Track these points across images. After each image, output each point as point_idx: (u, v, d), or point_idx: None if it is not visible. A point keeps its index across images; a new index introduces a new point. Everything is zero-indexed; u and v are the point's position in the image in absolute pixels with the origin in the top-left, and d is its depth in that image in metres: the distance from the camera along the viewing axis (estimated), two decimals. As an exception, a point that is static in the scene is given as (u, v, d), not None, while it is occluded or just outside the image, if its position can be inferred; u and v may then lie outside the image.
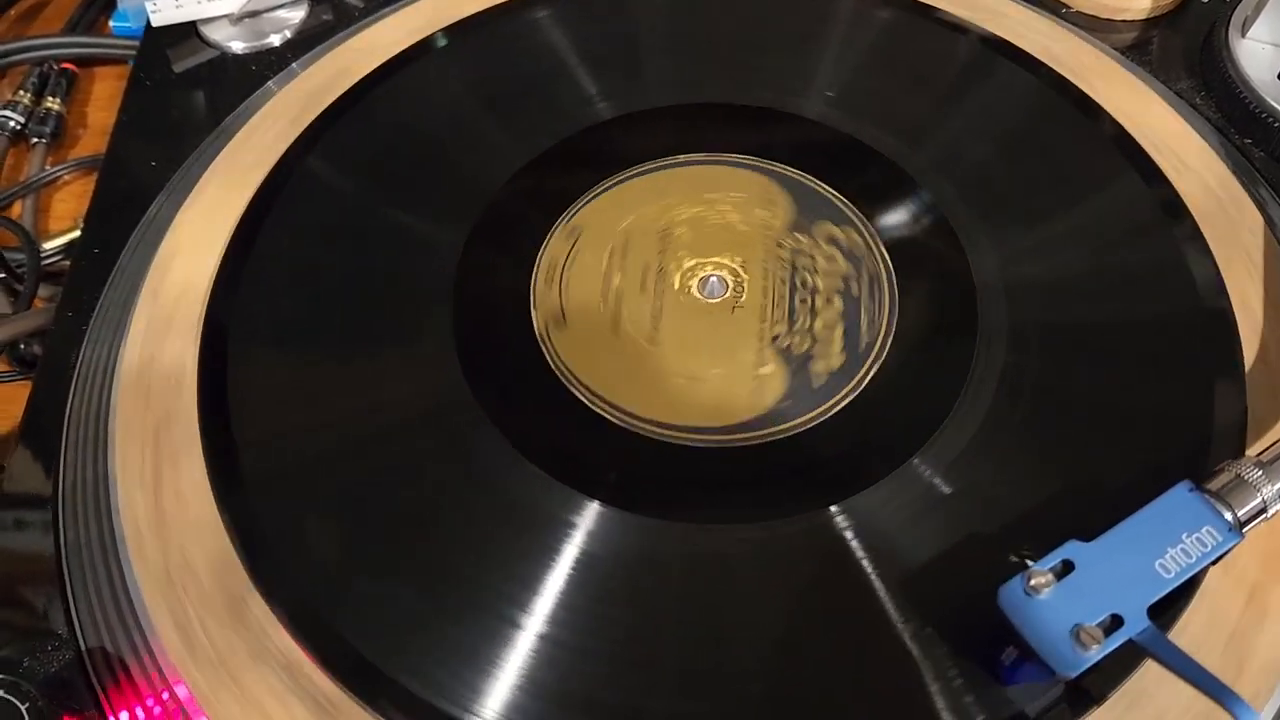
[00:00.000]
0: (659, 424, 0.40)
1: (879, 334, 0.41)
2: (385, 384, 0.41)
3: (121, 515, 0.39)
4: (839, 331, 0.41)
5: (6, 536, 0.41)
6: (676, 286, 0.43)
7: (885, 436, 0.39)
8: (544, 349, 0.41)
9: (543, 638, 0.35)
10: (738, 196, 0.45)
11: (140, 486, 0.40)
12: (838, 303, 0.42)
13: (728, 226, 0.44)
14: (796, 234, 0.44)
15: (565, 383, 0.41)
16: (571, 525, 0.37)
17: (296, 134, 0.47)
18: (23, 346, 0.51)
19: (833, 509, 0.37)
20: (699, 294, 0.43)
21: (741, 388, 0.41)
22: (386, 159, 0.47)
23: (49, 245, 0.59)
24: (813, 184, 0.44)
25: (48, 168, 0.64)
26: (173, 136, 0.52)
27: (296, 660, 0.36)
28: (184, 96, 0.54)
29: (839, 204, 0.44)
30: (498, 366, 0.41)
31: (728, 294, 0.43)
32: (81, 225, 0.50)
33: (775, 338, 0.42)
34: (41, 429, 0.43)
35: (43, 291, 0.58)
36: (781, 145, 0.46)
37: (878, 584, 0.36)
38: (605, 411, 0.40)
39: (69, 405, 0.44)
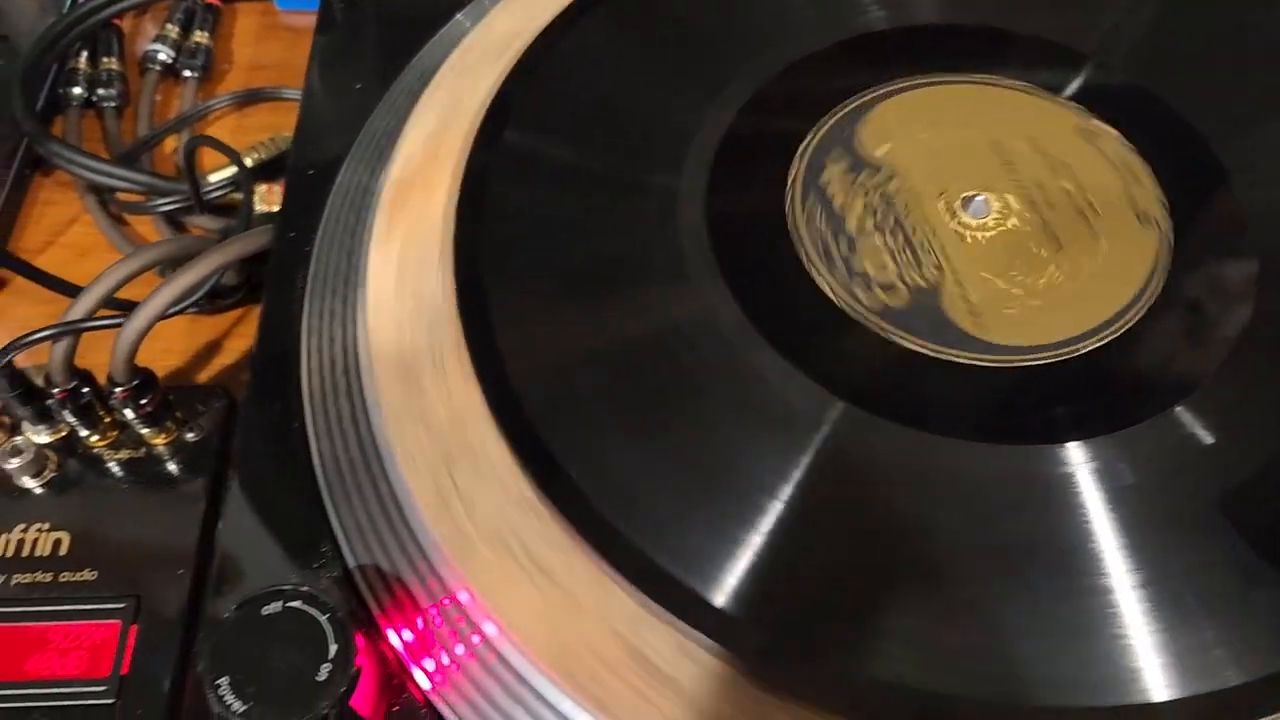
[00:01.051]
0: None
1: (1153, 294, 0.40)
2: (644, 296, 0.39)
3: (386, 427, 0.37)
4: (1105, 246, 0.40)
5: (255, 454, 0.39)
6: (940, 208, 0.42)
7: (1147, 381, 0.37)
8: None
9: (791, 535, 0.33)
10: (1008, 115, 0.44)
11: (402, 391, 0.38)
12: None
13: (979, 148, 0.43)
14: (1038, 139, 0.43)
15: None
16: (820, 426, 0.35)
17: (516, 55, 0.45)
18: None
19: (1076, 444, 0.35)
20: (965, 216, 0.41)
21: (1013, 311, 0.39)
22: (638, 57, 0.44)
23: (213, 178, 0.57)
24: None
25: (199, 102, 0.62)
26: (375, 58, 0.50)
27: (579, 560, 0.34)
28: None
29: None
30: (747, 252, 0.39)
31: (992, 215, 0.41)
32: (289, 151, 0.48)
33: (1051, 268, 0.40)
34: (277, 350, 0.41)
35: (207, 223, 0.56)
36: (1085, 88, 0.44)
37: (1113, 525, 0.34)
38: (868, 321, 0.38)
39: (304, 322, 0.41)
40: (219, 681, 0.31)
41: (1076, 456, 0.35)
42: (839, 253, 0.40)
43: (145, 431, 0.42)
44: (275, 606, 0.32)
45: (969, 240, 0.40)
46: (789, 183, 0.41)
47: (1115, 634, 0.32)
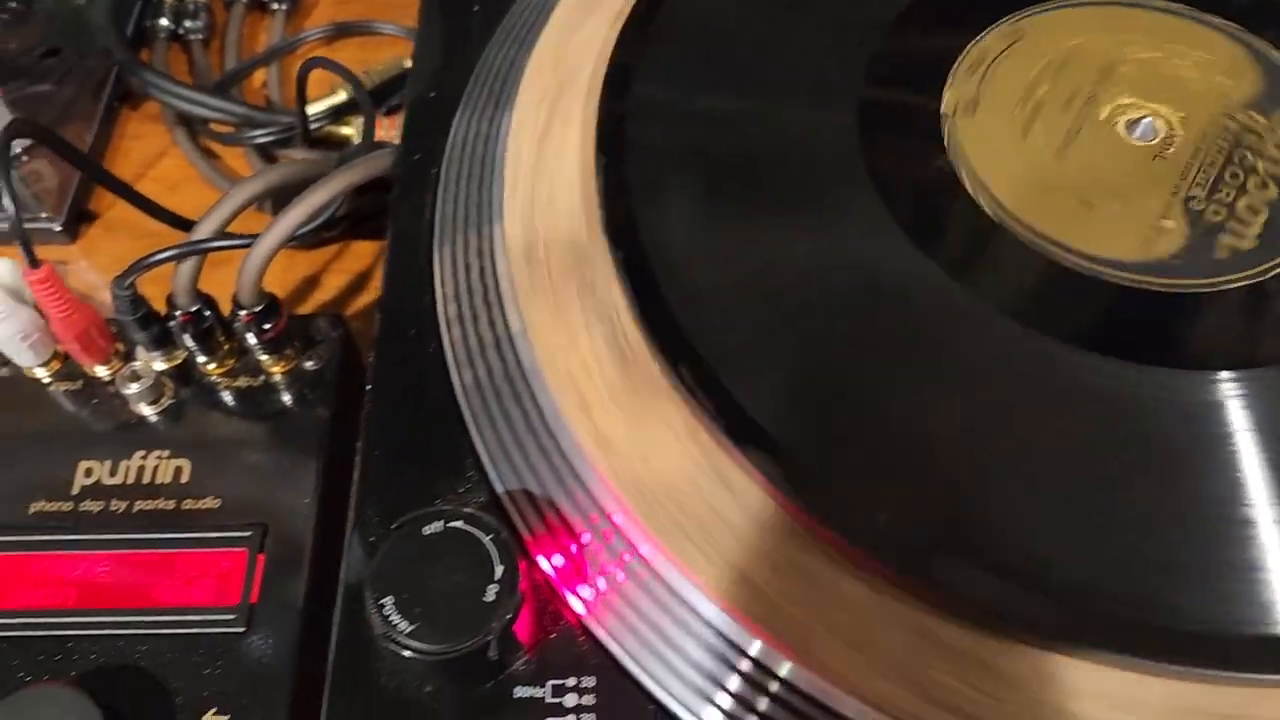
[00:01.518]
0: (1033, 230, 0.37)
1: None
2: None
3: (534, 353, 0.36)
4: (1262, 218, 0.38)
5: (391, 379, 0.37)
6: (1103, 117, 0.40)
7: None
8: (944, 126, 0.38)
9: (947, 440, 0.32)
10: (1201, 56, 0.42)
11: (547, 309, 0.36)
12: (1273, 190, 0.39)
13: (1179, 80, 0.41)
14: (1253, 112, 0.41)
15: (955, 162, 0.38)
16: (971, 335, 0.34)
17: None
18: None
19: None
20: (1124, 132, 0.40)
21: (1134, 230, 0.37)
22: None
23: (312, 110, 0.55)
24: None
25: (287, 36, 0.61)
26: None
27: (739, 481, 0.32)
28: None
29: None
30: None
31: (1155, 141, 0.40)
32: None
33: (1189, 199, 0.39)
34: (407, 275, 0.40)
35: (303, 156, 0.55)
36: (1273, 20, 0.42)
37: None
38: (983, 202, 0.37)
39: (436, 249, 0.40)
40: (384, 601, 0.30)
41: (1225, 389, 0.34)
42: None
43: (264, 359, 0.41)
44: (436, 527, 0.31)
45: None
46: (947, 83, 0.39)
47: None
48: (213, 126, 0.55)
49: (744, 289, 0.35)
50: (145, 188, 0.57)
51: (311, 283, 0.53)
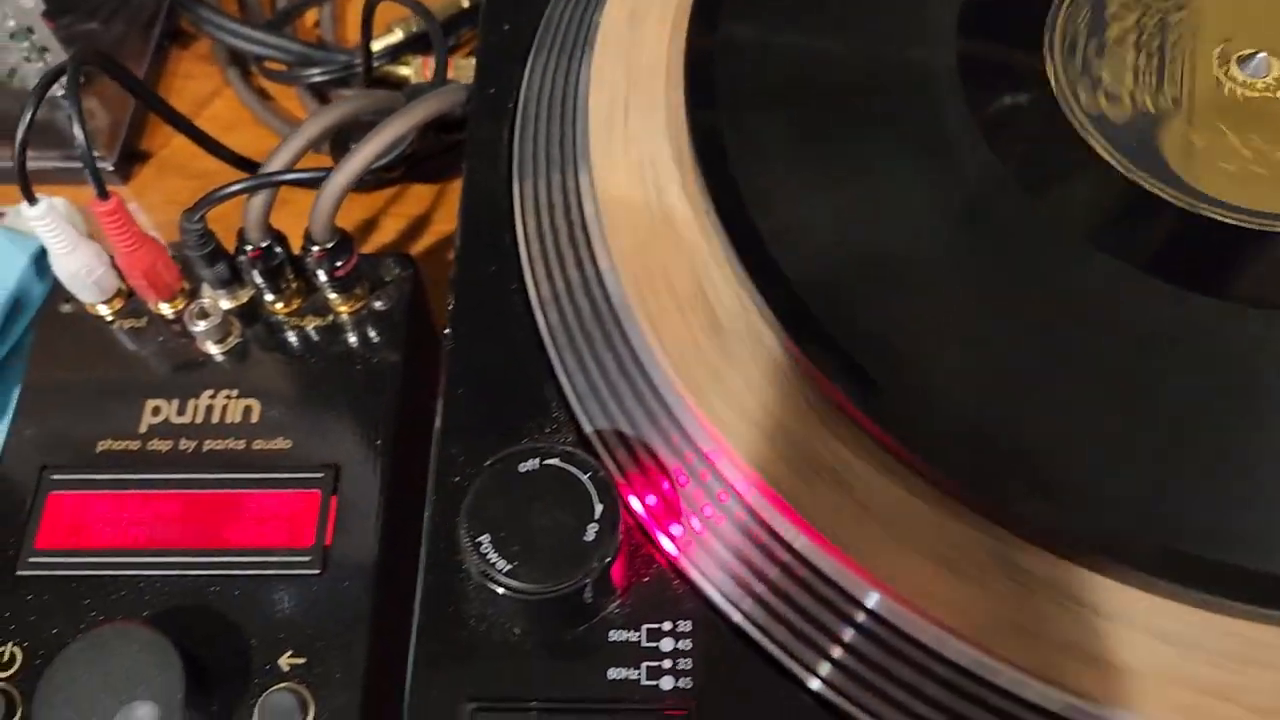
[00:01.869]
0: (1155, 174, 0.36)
1: None
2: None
3: (626, 295, 0.34)
4: None
5: (471, 318, 0.36)
6: (1214, 68, 0.38)
7: None
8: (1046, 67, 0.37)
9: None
10: None
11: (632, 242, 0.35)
12: None
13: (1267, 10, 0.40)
14: None
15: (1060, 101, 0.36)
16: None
17: None
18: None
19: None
20: (1240, 69, 0.38)
21: (1230, 167, 0.36)
22: None
23: (375, 47, 0.54)
24: None
25: (342, -25, 0.59)
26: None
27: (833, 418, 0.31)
28: None
29: None
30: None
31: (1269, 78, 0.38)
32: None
33: None
34: (484, 212, 0.38)
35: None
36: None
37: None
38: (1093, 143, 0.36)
39: (516, 187, 0.39)
40: (480, 540, 0.29)
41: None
42: (1082, 50, 0.37)
43: (333, 298, 0.40)
44: (532, 464, 0.30)
45: (1226, 92, 0.37)
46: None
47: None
48: (266, 65, 0.54)
49: (837, 223, 0.34)
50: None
51: (369, 226, 0.52)
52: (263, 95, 0.56)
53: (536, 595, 0.28)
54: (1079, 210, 0.35)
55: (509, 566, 0.28)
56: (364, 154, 0.37)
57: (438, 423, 0.34)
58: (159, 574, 0.37)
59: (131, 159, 0.54)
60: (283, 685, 0.34)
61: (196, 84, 0.57)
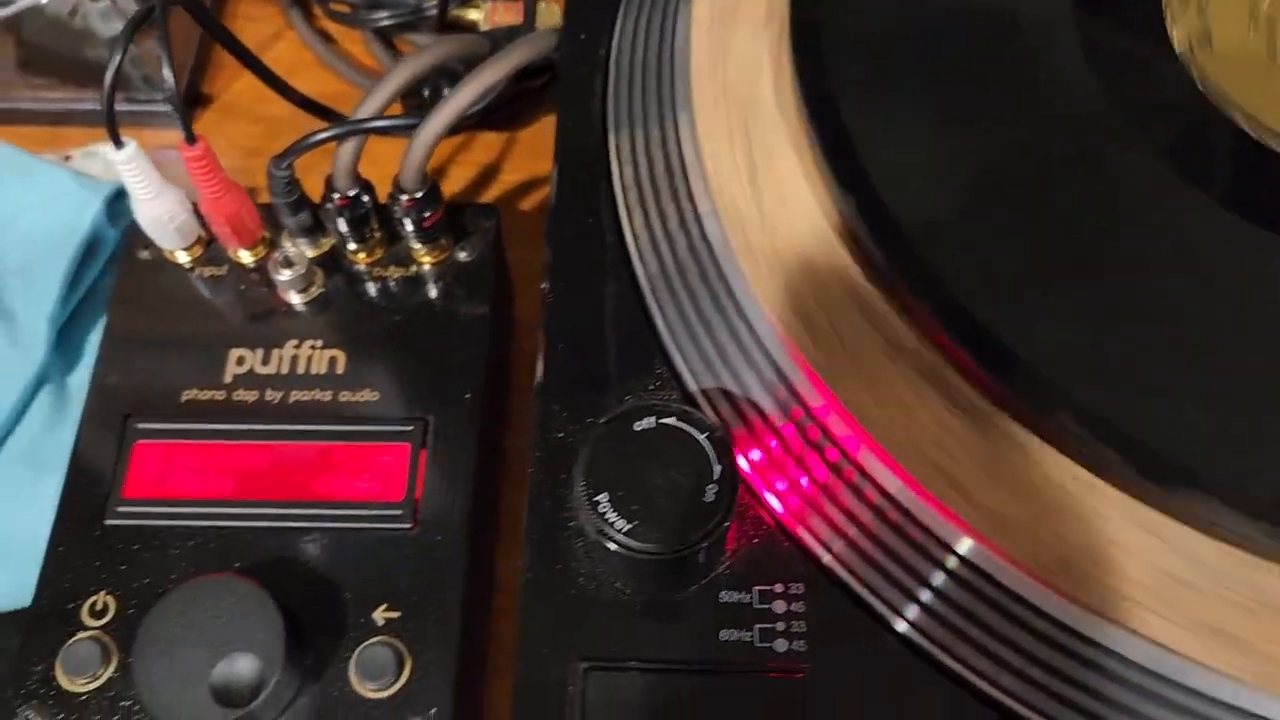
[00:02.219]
0: None
1: None
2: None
3: (733, 253, 0.34)
4: None
5: (568, 273, 0.36)
6: None
7: None
8: (1190, 68, 0.36)
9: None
10: None
11: (738, 181, 0.34)
12: None
13: None
14: None
15: (1215, 103, 0.35)
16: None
17: None
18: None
19: None
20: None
21: None
22: None
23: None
24: None
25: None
26: None
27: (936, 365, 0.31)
28: None
29: None
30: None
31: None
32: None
33: None
34: (577, 163, 0.38)
35: (424, 41, 0.53)
36: None
37: None
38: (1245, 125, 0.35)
39: (612, 136, 0.38)
40: (598, 498, 0.28)
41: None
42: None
43: (417, 248, 0.40)
44: (648, 422, 0.29)
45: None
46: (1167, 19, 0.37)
47: None
48: (332, 6, 0.53)
49: (949, 168, 0.33)
50: (259, 73, 0.55)
51: (435, 175, 0.51)
52: (325, 38, 0.55)
53: (656, 556, 0.28)
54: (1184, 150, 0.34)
55: (628, 526, 0.28)
56: (459, 100, 0.36)
57: (538, 378, 0.33)
58: (247, 525, 0.36)
59: (195, 103, 0.53)
60: (379, 639, 0.34)
61: (258, 26, 0.56)
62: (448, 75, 0.45)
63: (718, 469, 0.29)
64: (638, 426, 0.29)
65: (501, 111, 0.50)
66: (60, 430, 0.42)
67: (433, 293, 0.40)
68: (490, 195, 0.51)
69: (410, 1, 0.51)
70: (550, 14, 0.47)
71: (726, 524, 0.28)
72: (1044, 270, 0.31)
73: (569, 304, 0.35)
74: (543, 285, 0.35)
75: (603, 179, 0.37)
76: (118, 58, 0.34)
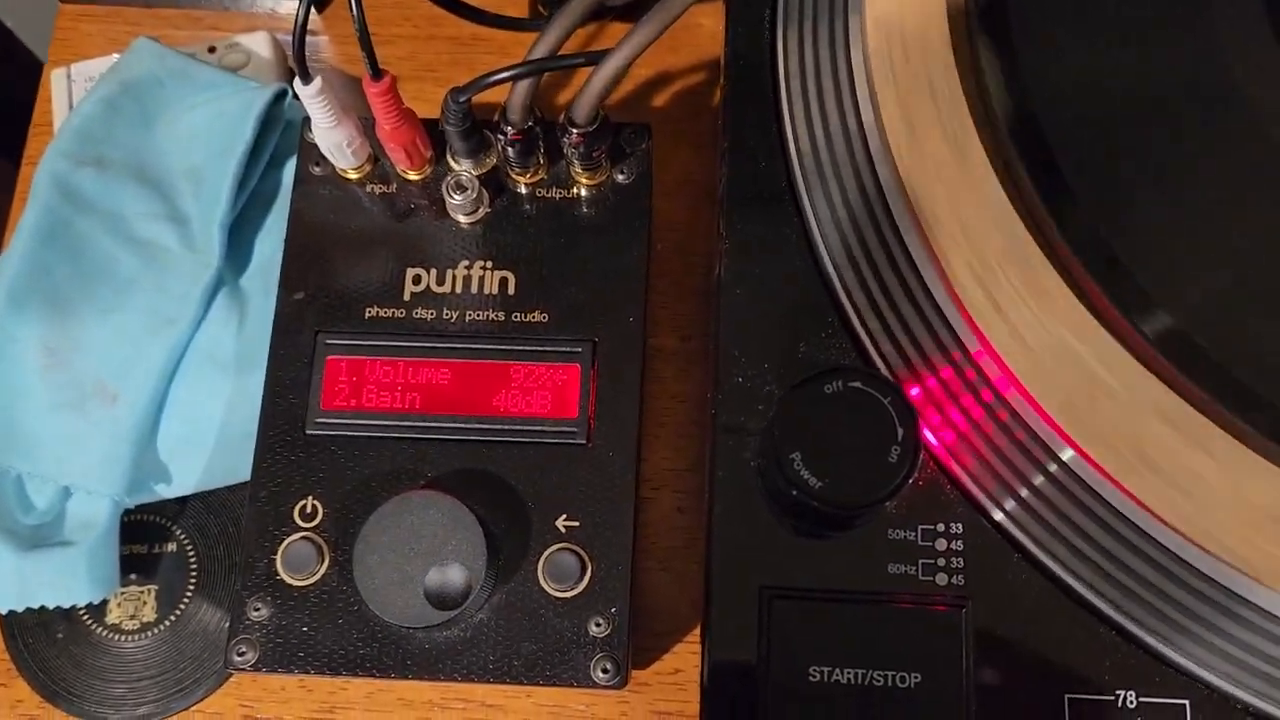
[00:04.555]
0: None
1: None
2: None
3: (898, 189, 0.36)
4: None
5: (744, 218, 0.38)
6: None
7: None
8: None
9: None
10: None
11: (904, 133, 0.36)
12: None
13: None
14: None
15: None
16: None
17: None
18: None
19: None
20: None
21: None
22: None
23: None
24: None
25: None
26: None
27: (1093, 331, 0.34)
28: None
29: None
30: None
31: None
32: None
33: None
34: (753, 93, 0.39)
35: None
36: None
37: None
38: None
39: (784, 90, 0.39)
40: (793, 456, 0.31)
41: None
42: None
43: (581, 172, 0.42)
44: (836, 385, 0.32)
45: None
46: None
47: None
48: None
49: (1128, 112, 0.34)
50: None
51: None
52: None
53: (846, 510, 0.31)
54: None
55: (820, 484, 0.31)
56: (637, 40, 0.37)
57: (718, 324, 0.36)
58: (436, 438, 0.40)
59: (328, -7, 0.54)
60: (562, 545, 0.38)
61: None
62: None
63: (901, 432, 0.32)
64: (827, 389, 0.32)
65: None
66: (238, 330, 0.45)
67: (593, 214, 0.42)
68: (622, 92, 0.53)
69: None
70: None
71: (907, 483, 0.32)
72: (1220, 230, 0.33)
73: (744, 251, 0.37)
74: (720, 232, 0.37)
75: (776, 126, 0.38)
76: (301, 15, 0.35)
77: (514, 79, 0.38)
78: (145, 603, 0.45)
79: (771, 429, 0.32)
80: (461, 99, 0.39)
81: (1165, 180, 0.34)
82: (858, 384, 0.32)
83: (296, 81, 0.38)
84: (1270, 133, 0.34)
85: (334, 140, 0.40)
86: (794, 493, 0.32)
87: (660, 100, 0.53)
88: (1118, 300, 0.32)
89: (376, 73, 0.38)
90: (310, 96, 0.38)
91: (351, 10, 0.36)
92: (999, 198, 0.34)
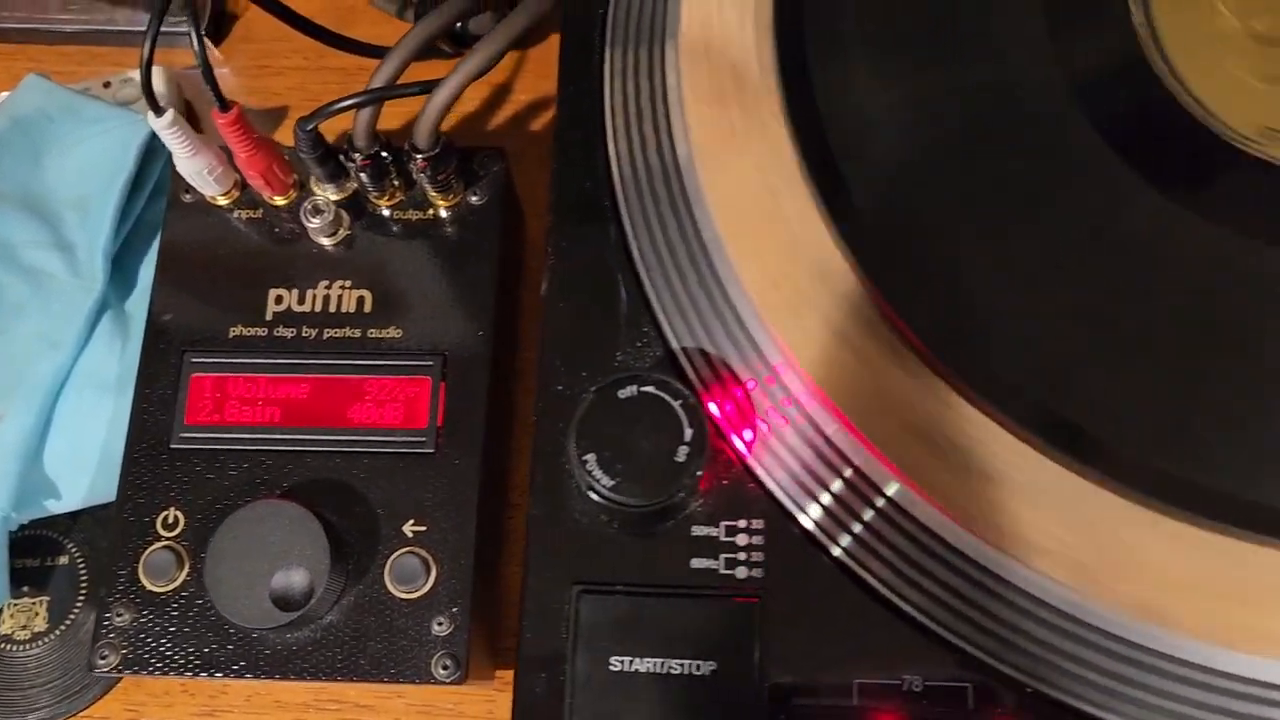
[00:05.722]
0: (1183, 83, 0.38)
1: None
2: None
3: (712, 220, 0.38)
4: None
5: (567, 235, 0.40)
6: None
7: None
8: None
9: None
10: None
11: (718, 169, 0.38)
12: None
13: None
14: None
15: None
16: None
17: None
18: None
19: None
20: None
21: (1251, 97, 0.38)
22: None
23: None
24: None
25: None
26: None
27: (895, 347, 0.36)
28: None
29: None
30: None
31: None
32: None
33: None
34: (578, 129, 0.41)
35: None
36: None
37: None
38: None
39: (608, 102, 0.41)
40: (586, 458, 0.34)
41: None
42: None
43: (433, 194, 0.44)
44: (630, 390, 0.34)
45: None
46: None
47: None
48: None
49: (912, 133, 0.36)
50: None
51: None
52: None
53: (635, 508, 0.33)
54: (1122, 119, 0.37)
55: (612, 483, 0.33)
56: (466, 71, 0.39)
57: (541, 333, 0.38)
58: (294, 450, 0.42)
59: (221, 22, 0.56)
60: (408, 549, 0.40)
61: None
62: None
63: (689, 433, 0.34)
64: (621, 394, 0.34)
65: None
66: (120, 352, 0.47)
67: (448, 234, 0.45)
68: (504, 115, 0.55)
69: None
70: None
71: (696, 480, 0.34)
72: (1004, 266, 0.35)
73: (568, 264, 0.39)
74: (546, 247, 0.39)
75: (599, 149, 0.41)
76: (149, 41, 0.38)
77: (355, 107, 0.40)
78: (37, 614, 0.47)
79: (569, 433, 0.34)
80: (308, 128, 0.41)
81: (951, 209, 0.36)
82: (650, 389, 0.34)
83: (149, 114, 0.41)
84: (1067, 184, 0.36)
85: (194, 169, 0.43)
86: (590, 493, 0.34)
87: (538, 124, 0.55)
88: (903, 313, 0.34)
89: (223, 105, 0.40)
90: (163, 129, 0.41)
91: (193, 47, 0.39)
92: (806, 219, 0.36)
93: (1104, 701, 0.33)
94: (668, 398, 0.34)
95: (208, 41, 0.56)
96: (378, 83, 0.40)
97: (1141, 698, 0.32)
